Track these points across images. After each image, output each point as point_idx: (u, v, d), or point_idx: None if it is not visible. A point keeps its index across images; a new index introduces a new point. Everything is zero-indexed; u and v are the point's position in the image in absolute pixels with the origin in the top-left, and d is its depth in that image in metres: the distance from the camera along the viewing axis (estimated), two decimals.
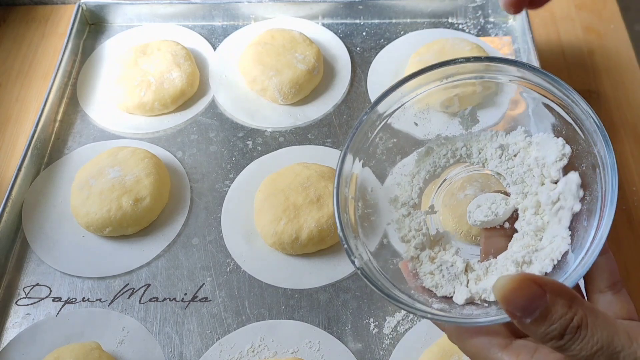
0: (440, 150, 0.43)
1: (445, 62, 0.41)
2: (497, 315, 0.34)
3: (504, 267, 0.38)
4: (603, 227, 0.36)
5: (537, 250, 0.38)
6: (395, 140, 0.43)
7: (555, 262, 0.37)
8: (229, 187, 0.74)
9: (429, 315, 0.36)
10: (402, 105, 0.43)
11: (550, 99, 0.40)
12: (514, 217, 0.41)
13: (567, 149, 0.40)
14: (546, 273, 0.37)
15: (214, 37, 0.90)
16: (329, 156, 0.76)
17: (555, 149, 0.41)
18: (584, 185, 0.39)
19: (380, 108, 0.42)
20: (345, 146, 0.40)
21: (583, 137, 0.39)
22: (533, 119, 0.42)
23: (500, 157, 0.42)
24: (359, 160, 0.41)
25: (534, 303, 0.29)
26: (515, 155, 0.42)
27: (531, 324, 0.29)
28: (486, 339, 0.35)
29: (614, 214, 0.35)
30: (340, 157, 0.40)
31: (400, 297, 0.37)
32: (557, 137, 0.41)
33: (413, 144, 0.44)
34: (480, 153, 0.43)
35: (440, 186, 0.44)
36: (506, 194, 0.42)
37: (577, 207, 0.38)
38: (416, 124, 0.44)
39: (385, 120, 0.42)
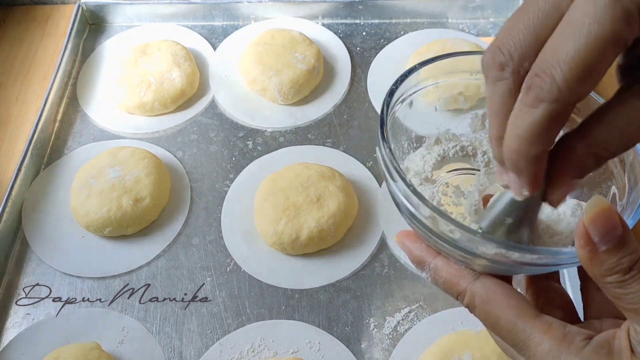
0: (449, 143, 0.43)
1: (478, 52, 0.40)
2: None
3: None
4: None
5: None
6: (412, 118, 0.43)
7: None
8: (229, 187, 0.74)
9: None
10: (425, 86, 0.42)
11: None
12: None
13: None
14: None
15: (214, 37, 0.90)
16: (329, 156, 0.76)
17: None
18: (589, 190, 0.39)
19: (405, 85, 0.41)
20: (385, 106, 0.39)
21: None
22: None
23: None
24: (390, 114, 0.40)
25: (614, 231, 0.29)
26: None
27: (605, 252, 0.29)
28: (518, 304, 0.34)
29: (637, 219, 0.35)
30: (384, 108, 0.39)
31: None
32: None
33: (427, 128, 0.43)
34: (484, 155, 0.43)
35: (440, 178, 0.44)
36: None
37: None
38: (436, 109, 0.44)
39: (409, 97, 0.42)
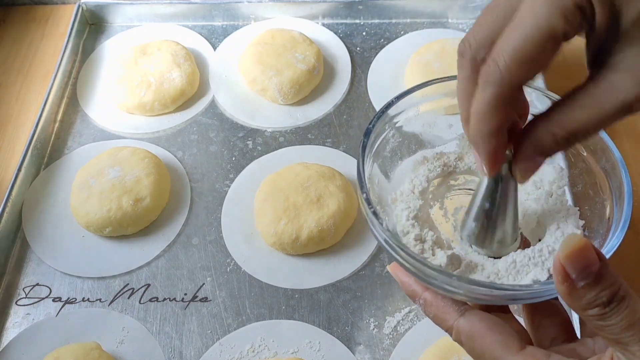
0: (435, 161, 0.43)
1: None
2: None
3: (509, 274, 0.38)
4: (606, 250, 0.36)
5: (532, 257, 0.38)
6: (400, 141, 0.43)
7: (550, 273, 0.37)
8: (229, 187, 0.74)
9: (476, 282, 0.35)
10: (411, 110, 0.43)
11: None
12: None
13: (565, 172, 0.41)
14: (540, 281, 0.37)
15: (214, 37, 0.90)
16: (329, 156, 0.76)
17: (552, 172, 0.41)
18: (579, 204, 0.40)
19: (392, 110, 0.42)
20: (364, 138, 0.40)
21: (584, 159, 0.40)
22: None
23: None
24: (369, 155, 0.41)
25: (591, 266, 0.30)
26: None
27: (583, 287, 0.30)
28: (501, 338, 0.35)
29: (622, 238, 0.36)
30: (360, 151, 0.40)
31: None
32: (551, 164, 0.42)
33: (414, 151, 0.44)
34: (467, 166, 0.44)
35: (431, 197, 0.44)
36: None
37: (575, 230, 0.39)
38: (421, 135, 0.44)
39: (395, 123, 0.43)
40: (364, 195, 0.37)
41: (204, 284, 0.67)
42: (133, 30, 0.91)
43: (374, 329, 0.63)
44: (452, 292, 0.36)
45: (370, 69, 0.85)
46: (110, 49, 0.89)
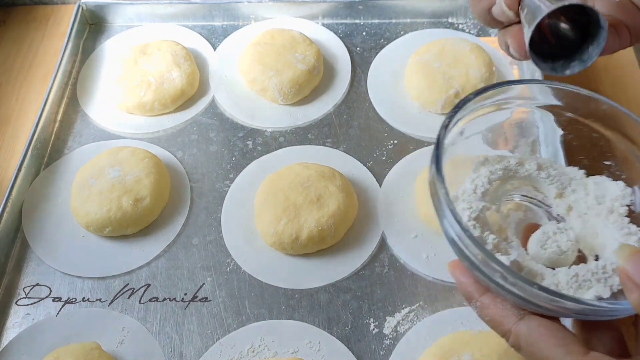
0: (495, 164, 0.43)
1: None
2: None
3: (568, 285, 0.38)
4: None
5: (595, 273, 0.37)
6: (464, 139, 0.43)
7: (614, 290, 0.36)
8: (229, 187, 0.74)
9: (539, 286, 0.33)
10: (478, 111, 0.43)
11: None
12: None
13: (628, 191, 0.41)
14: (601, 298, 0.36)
15: (214, 37, 0.90)
16: (329, 156, 0.76)
17: (616, 189, 0.41)
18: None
19: (465, 109, 0.41)
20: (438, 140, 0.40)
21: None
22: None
23: (561, 188, 0.43)
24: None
25: None
26: (572, 189, 0.43)
27: None
28: (563, 342, 0.33)
29: None
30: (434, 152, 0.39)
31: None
32: (617, 181, 0.42)
33: (475, 153, 0.44)
34: (529, 167, 0.43)
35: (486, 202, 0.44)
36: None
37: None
38: (483, 136, 0.44)
39: (462, 122, 0.42)
40: (443, 190, 0.36)
41: (204, 284, 0.67)
42: (133, 30, 0.91)
43: (374, 329, 0.63)
44: (517, 297, 0.35)
45: (370, 69, 0.85)
46: (110, 49, 0.89)
